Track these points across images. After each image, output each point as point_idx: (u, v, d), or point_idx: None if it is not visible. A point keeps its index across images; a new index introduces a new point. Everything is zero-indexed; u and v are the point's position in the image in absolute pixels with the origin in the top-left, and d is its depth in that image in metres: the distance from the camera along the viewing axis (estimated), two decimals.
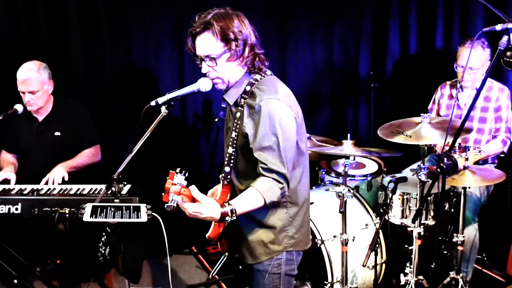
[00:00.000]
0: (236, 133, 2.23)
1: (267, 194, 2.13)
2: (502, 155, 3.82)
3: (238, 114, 2.22)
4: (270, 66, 2.33)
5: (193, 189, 2.07)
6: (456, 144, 3.34)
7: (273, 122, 2.13)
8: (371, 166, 4.05)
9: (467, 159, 3.13)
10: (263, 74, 2.26)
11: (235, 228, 2.30)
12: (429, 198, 3.22)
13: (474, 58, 3.51)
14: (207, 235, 2.24)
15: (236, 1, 2.32)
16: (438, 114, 3.92)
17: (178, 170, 2.02)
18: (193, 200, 2.06)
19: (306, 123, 2.34)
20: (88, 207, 2.25)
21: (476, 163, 3.58)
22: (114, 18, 4.20)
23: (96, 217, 2.23)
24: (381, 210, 3.46)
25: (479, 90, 2.28)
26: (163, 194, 1.99)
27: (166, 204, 1.99)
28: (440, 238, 3.62)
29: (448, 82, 3.92)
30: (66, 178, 3.37)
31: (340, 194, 3.08)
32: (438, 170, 2.29)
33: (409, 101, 4.51)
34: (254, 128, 2.16)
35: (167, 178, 1.99)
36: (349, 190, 3.12)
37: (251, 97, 2.20)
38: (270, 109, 2.14)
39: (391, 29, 4.85)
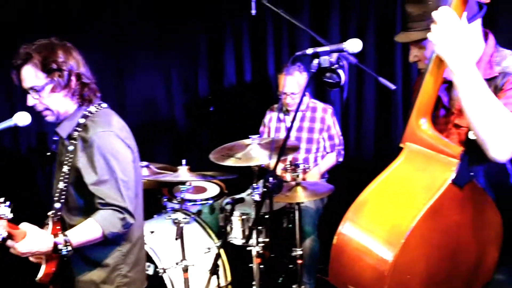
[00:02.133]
0: (69, 168, 2.12)
1: (106, 224, 2.04)
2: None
3: (71, 148, 2.13)
4: (108, 99, 2.28)
5: (24, 225, 1.95)
6: (288, 163, 3.53)
7: (108, 155, 2.06)
8: (213, 190, 4.07)
9: (297, 176, 3.30)
10: (98, 107, 2.20)
11: (67, 269, 2.17)
12: (266, 216, 3.33)
13: (292, 84, 3.71)
14: (37, 278, 2.09)
15: (75, 37, 2.26)
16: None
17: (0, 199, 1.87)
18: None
19: (147, 151, 2.31)
20: None
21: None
22: None
23: None
24: (222, 232, 3.50)
25: (295, 113, 2.40)
26: None
27: None
28: (281, 254, 3.74)
29: (275, 106, 4.10)
30: None
31: (176, 221, 3.06)
32: (265, 189, 2.37)
33: (245, 124, 4.64)
34: (89, 162, 2.07)
35: None
36: (186, 216, 3.12)
37: (85, 130, 2.12)
38: (105, 142, 2.08)
39: (227, 56, 4.98)
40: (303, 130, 3.89)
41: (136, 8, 4.71)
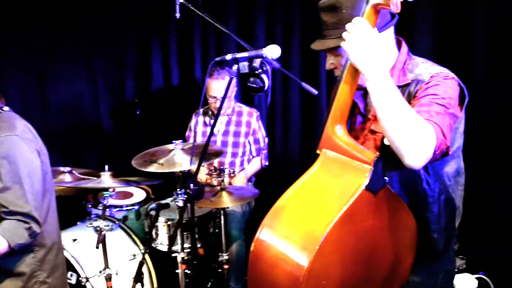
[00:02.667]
0: None
1: (11, 236, 1.96)
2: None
3: None
4: (31, 102, 2.19)
5: None
6: (212, 168, 3.52)
7: (12, 160, 1.98)
8: (139, 195, 4.00)
9: (223, 181, 3.30)
10: (0, 111, 2.11)
11: None
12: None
13: (220, 88, 3.69)
14: None
15: None
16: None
17: None
18: None
19: (73, 156, 2.24)
20: None
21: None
22: None
23: None
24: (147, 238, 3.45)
25: (215, 118, 2.39)
26: None
27: None
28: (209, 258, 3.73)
29: (200, 110, 4.06)
30: None
31: (97, 229, 2.98)
32: (186, 196, 2.36)
33: (173, 127, 4.60)
34: None
35: None
36: (110, 223, 3.05)
37: None
38: (8, 147, 2.00)
39: (154, 58, 4.92)
40: (229, 134, 3.90)
41: (61, 8, 4.57)
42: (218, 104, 3.76)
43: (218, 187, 3.30)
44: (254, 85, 2.37)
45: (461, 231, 2.12)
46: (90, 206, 3.82)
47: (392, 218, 1.77)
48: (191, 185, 2.32)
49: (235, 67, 2.27)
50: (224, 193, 3.25)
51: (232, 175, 3.64)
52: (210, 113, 3.95)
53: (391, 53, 1.90)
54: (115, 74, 5.02)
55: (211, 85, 3.72)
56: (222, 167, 3.47)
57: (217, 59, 2.35)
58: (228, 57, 2.30)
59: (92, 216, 3.69)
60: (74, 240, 3.32)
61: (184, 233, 3.27)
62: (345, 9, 1.80)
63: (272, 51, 2.19)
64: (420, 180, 1.85)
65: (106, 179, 3.18)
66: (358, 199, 1.62)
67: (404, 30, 2.08)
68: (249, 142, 3.92)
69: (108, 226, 3.00)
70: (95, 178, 3.49)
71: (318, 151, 1.83)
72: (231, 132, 3.89)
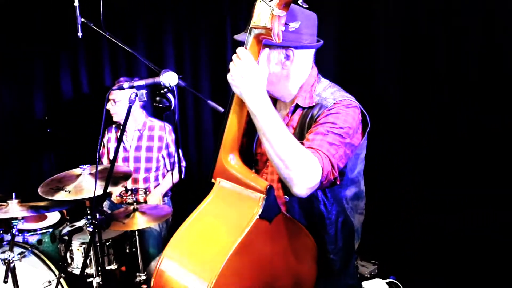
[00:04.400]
0: None
1: None
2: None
3: None
4: None
5: None
6: (123, 189, 3.49)
7: None
8: (53, 217, 3.88)
9: (134, 202, 3.28)
10: None
11: None
12: (107, 243, 3.27)
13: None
14: None
15: None
16: (108, 159, 4.03)
17: None
18: None
19: None
20: None
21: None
22: None
23: None
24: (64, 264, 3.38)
25: (121, 134, 2.38)
26: None
27: None
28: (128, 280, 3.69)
29: (113, 126, 4.03)
30: None
31: (6, 261, 2.87)
32: (92, 226, 2.35)
33: (86, 146, 4.52)
34: None
35: None
36: (21, 251, 2.96)
37: None
38: None
39: (62, 73, 4.81)
40: (141, 149, 3.87)
41: None
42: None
43: (131, 208, 3.27)
44: (161, 105, 2.40)
45: (373, 236, 2.21)
46: (1, 232, 3.70)
47: (291, 242, 1.83)
48: (97, 214, 2.32)
49: (133, 95, 2.29)
50: (137, 214, 3.22)
51: (147, 192, 3.62)
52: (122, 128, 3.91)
53: (304, 73, 1.93)
54: (25, 91, 4.86)
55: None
56: (134, 187, 3.44)
57: (114, 88, 2.36)
58: (126, 85, 2.31)
59: (4, 243, 3.57)
60: None
61: (99, 256, 3.22)
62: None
63: (169, 78, 2.23)
64: (317, 202, 1.91)
65: (13, 207, 3.08)
66: (252, 229, 1.65)
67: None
68: (162, 156, 3.92)
69: (18, 256, 2.90)
70: (4, 204, 3.38)
71: (213, 180, 1.87)
72: (144, 147, 3.88)
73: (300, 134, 1.86)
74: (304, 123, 1.87)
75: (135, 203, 3.27)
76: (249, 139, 2.08)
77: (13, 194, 3.15)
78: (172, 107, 2.41)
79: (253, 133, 2.05)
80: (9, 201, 3.13)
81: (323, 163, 1.68)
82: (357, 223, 2.04)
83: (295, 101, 1.93)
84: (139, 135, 3.88)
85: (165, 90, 2.37)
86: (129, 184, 3.81)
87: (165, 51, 4.34)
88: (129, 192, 3.38)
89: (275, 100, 2.01)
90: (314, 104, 1.88)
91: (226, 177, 1.83)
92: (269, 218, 1.71)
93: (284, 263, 1.83)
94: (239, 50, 1.68)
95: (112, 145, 3.97)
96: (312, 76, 1.95)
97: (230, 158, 1.83)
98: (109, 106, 3.75)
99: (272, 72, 1.86)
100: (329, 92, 1.89)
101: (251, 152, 2.07)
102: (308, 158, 1.65)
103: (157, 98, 2.43)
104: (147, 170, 3.88)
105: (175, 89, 2.39)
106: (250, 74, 1.65)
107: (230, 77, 1.69)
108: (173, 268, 1.74)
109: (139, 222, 3.18)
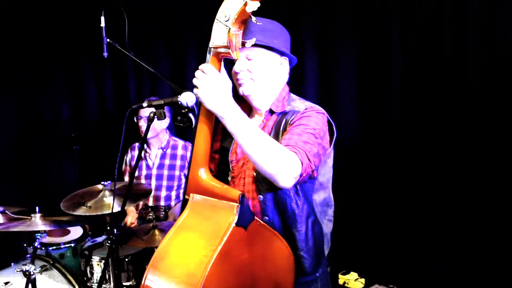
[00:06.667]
0: None
1: None
2: None
3: None
4: None
5: None
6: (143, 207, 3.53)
7: None
8: (76, 231, 3.96)
9: (154, 219, 3.31)
10: None
11: None
12: (126, 259, 3.31)
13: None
14: None
15: None
16: (130, 177, 4.07)
17: None
18: None
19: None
20: None
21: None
22: None
23: None
24: (84, 278, 3.42)
25: (138, 157, 2.43)
26: None
27: None
28: None
29: (136, 144, 4.11)
30: None
31: (26, 273, 2.93)
32: (108, 242, 2.38)
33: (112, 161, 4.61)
34: None
35: None
36: (43, 264, 3.00)
37: None
38: None
39: (89, 93, 4.92)
40: (164, 168, 3.93)
41: None
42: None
43: (150, 225, 3.31)
44: (181, 124, 2.44)
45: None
46: (25, 245, 3.77)
47: (265, 247, 1.91)
48: (115, 230, 2.36)
49: (151, 114, 2.33)
50: (156, 231, 3.26)
51: (167, 210, 3.66)
52: (145, 146, 3.99)
53: (280, 83, 2.12)
54: (52, 107, 4.99)
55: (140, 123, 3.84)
56: (155, 204, 3.48)
57: (134, 106, 2.40)
58: (145, 104, 2.35)
59: (28, 256, 3.64)
60: (6, 283, 3.26)
61: (117, 272, 3.25)
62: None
63: (187, 98, 2.26)
64: (290, 200, 2.02)
65: (36, 221, 3.15)
66: (230, 237, 1.73)
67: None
68: (184, 175, 3.96)
69: (39, 268, 2.95)
70: (28, 217, 3.45)
71: (186, 197, 1.93)
72: (166, 165, 3.93)
73: (275, 138, 1.97)
74: (279, 128, 2.03)
75: (154, 220, 3.31)
76: (224, 149, 2.19)
77: (37, 208, 3.21)
78: (192, 126, 2.44)
79: (228, 142, 2.18)
80: (32, 215, 3.19)
81: (301, 157, 1.82)
82: (326, 228, 2.17)
83: (269, 107, 2.10)
84: (162, 153, 3.94)
85: (186, 109, 2.41)
86: (151, 201, 3.86)
87: (187, 71, 4.41)
88: (150, 209, 3.41)
89: (249, 110, 2.16)
90: (286, 110, 2.06)
91: (199, 192, 1.90)
92: (244, 225, 1.79)
93: (262, 270, 1.89)
94: (203, 66, 1.81)
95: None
96: (285, 90, 2.15)
97: (200, 173, 1.91)
98: (141, 123, 3.83)
99: (267, 71, 2.04)
100: (299, 102, 2.09)
101: (227, 160, 2.16)
102: (286, 153, 1.79)
103: (178, 118, 2.46)
104: (169, 188, 3.93)
105: (195, 109, 2.42)
106: (217, 85, 1.77)
107: (198, 92, 1.80)
108: (158, 282, 1.77)
109: (158, 239, 3.21)
